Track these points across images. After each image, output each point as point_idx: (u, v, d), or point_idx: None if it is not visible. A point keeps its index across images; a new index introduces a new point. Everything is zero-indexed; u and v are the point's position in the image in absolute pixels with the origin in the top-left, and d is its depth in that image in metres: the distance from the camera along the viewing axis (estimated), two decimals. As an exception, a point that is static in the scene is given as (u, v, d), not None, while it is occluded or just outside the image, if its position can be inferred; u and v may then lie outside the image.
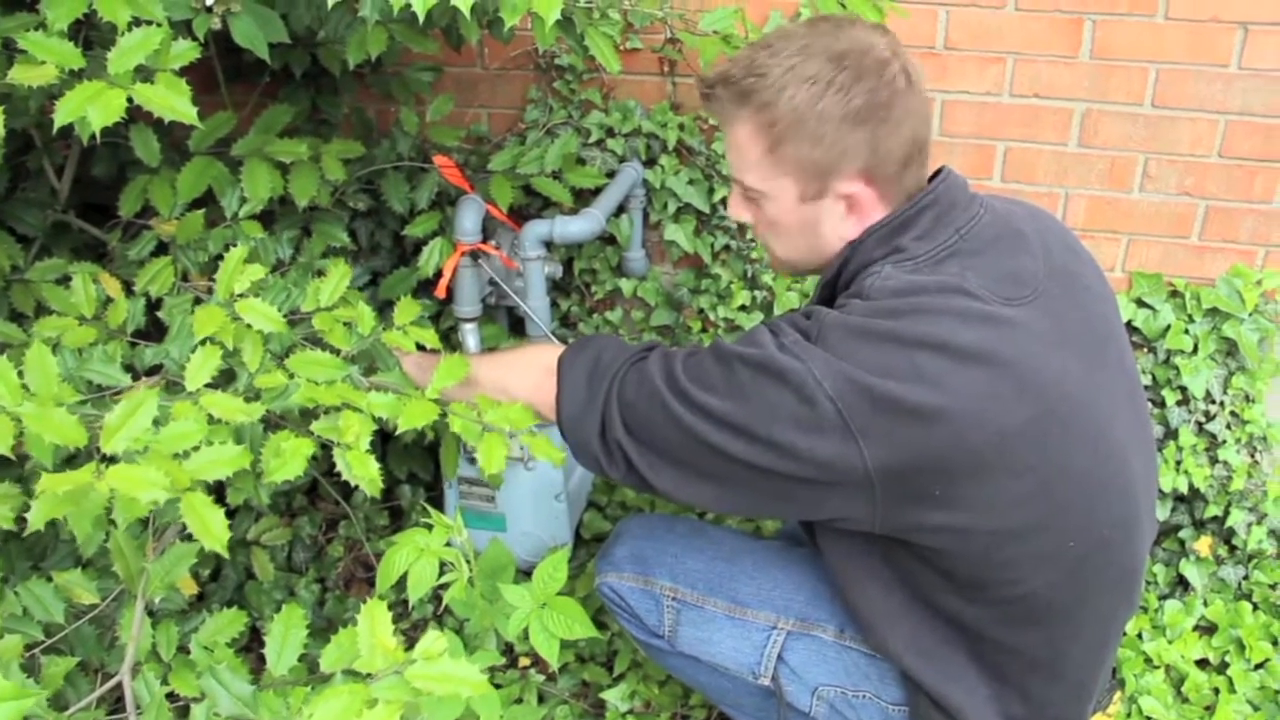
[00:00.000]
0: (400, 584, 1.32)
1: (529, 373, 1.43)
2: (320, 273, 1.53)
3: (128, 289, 1.49)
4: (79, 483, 0.96)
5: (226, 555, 1.04)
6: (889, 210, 1.27)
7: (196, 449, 1.08)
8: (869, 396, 1.14)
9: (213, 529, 1.03)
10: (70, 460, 1.09)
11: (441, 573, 1.32)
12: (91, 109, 1.12)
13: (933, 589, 1.28)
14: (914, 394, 1.14)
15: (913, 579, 1.29)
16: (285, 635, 1.17)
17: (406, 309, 1.49)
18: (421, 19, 1.22)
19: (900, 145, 1.24)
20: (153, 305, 1.49)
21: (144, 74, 1.18)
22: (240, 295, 1.35)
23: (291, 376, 1.30)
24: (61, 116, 1.11)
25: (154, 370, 1.38)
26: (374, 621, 1.05)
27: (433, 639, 1.04)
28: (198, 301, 1.48)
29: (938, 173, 1.31)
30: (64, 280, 1.48)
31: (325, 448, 1.25)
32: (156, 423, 1.10)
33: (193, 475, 1.05)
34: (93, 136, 1.13)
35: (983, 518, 1.20)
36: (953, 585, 1.27)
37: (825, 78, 1.21)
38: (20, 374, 1.06)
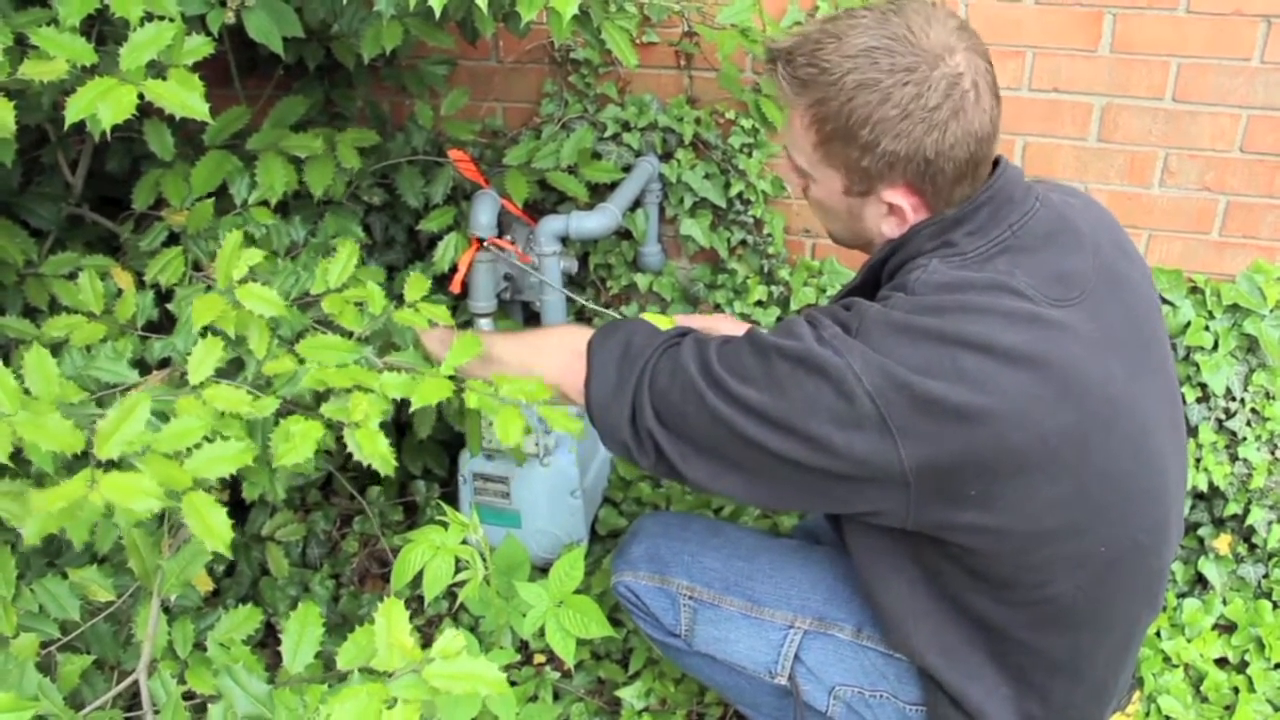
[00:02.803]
0: (415, 580, 1.31)
1: (557, 355, 1.40)
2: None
3: (140, 281, 1.49)
4: (71, 497, 0.94)
5: (229, 554, 1.02)
6: (933, 214, 1.25)
7: (199, 446, 1.05)
8: (909, 395, 1.12)
9: (214, 528, 1.01)
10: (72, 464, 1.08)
11: (457, 570, 1.31)
12: (102, 106, 1.11)
13: (960, 588, 1.27)
14: (955, 394, 1.12)
15: (940, 577, 1.28)
16: (301, 633, 1.16)
17: (416, 285, 1.46)
18: (438, 13, 1.21)
19: (954, 165, 1.20)
20: (167, 296, 1.48)
21: (157, 69, 1.17)
22: (240, 281, 1.33)
23: (302, 362, 1.28)
24: (72, 113, 1.11)
25: (165, 363, 1.38)
26: (391, 621, 1.04)
27: (450, 637, 1.03)
28: (208, 291, 1.47)
29: (995, 163, 1.27)
30: (76, 275, 1.47)
31: (340, 443, 1.24)
32: (164, 416, 1.09)
33: (194, 474, 1.03)
34: (106, 131, 1.12)
35: (1018, 519, 1.18)
36: (982, 585, 1.25)
37: (886, 88, 1.16)
38: (21, 378, 1.05)
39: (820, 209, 1.35)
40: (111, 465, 0.99)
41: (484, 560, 1.33)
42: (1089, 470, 1.18)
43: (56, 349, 1.32)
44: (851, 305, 1.21)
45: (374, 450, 1.19)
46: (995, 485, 1.16)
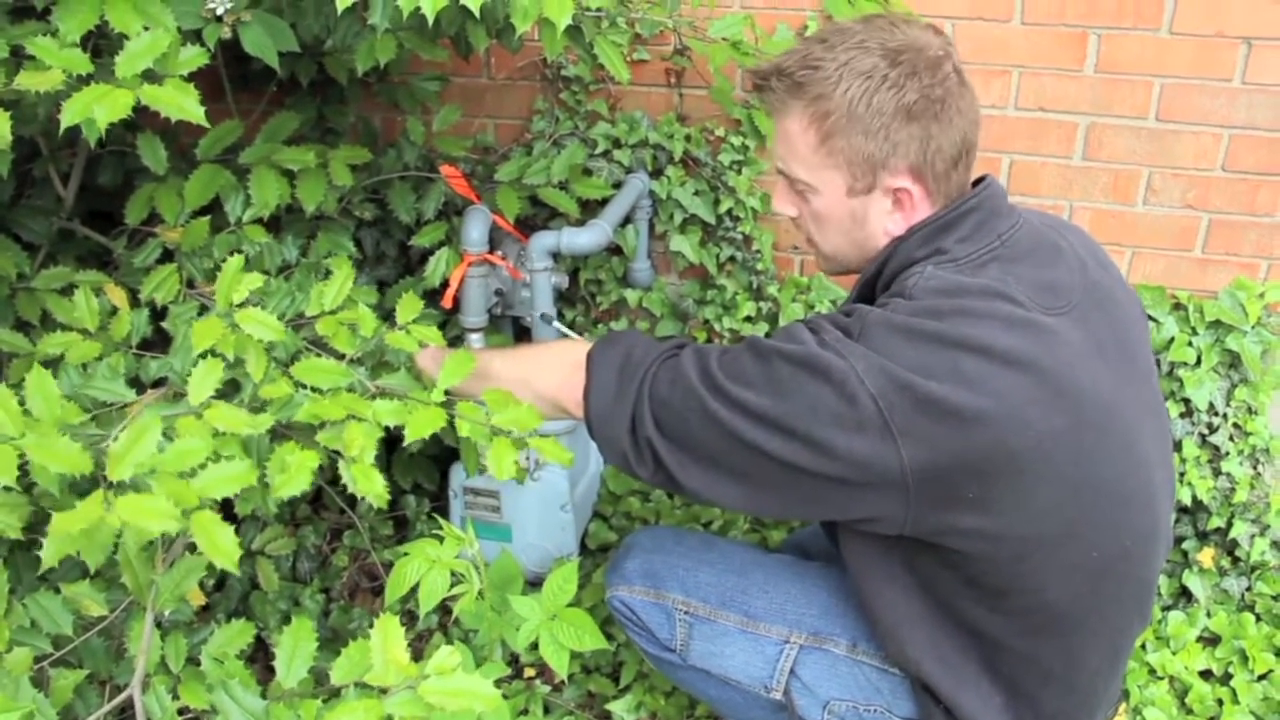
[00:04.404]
0: (406, 594, 1.31)
1: (556, 368, 1.41)
2: (329, 273, 1.52)
3: (134, 297, 1.49)
4: (91, 519, 0.94)
5: (237, 571, 1.03)
6: (934, 209, 1.28)
7: (203, 466, 1.06)
8: (911, 396, 1.13)
9: (223, 546, 1.01)
10: (76, 484, 1.07)
11: (452, 584, 1.31)
12: (98, 108, 1.11)
13: (955, 596, 1.28)
14: (956, 395, 1.13)
15: (935, 585, 1.29)
16: (295, 648, 1.16)
17: (408, 306, 1.46)
18: (431, 20, 1.22)
19: (950, 144, 1.25)
20: (159, 313, 1.48)
21: (151, 79, 1.18)
22: (240, 305, 1.33)
23: (298, 386, 1.29)
24: (68, 117, 1.10)
25: (159, 383, 1.37)
26: (387, 636, 1.04)
27: (446, 653, 1.04)
28: (203, 309, 1.47)
29: (981, 179, 1.32)
30: (69, 290, 1.47)
31: (331, 456, 1.24)
32: (166, 435, 1.09)
33: (200, 494, 1.03)
34: (100, 143, 1.12)
35: (1014, 522, 1.20)
36: (976, 592, 1.26)
37: (880, 72, 1.22)
38: (22, 400, 1.04)
39: (820, 227, 1.35)
40: (119, 486, 0.99)
41: (479, 574, 1.33)
42: (1081, 474, 1.20)
43: (52, 366, 1.31)
44: (852, 311, 1.23)
45: (369, 487, 1.19)
46: (992, 488, 1.17)
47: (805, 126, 1.26)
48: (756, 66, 1.30)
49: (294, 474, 1.16)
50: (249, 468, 1.07)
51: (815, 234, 1.37)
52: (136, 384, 1.35)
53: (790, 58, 1.26)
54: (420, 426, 1.25)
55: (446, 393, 1.31)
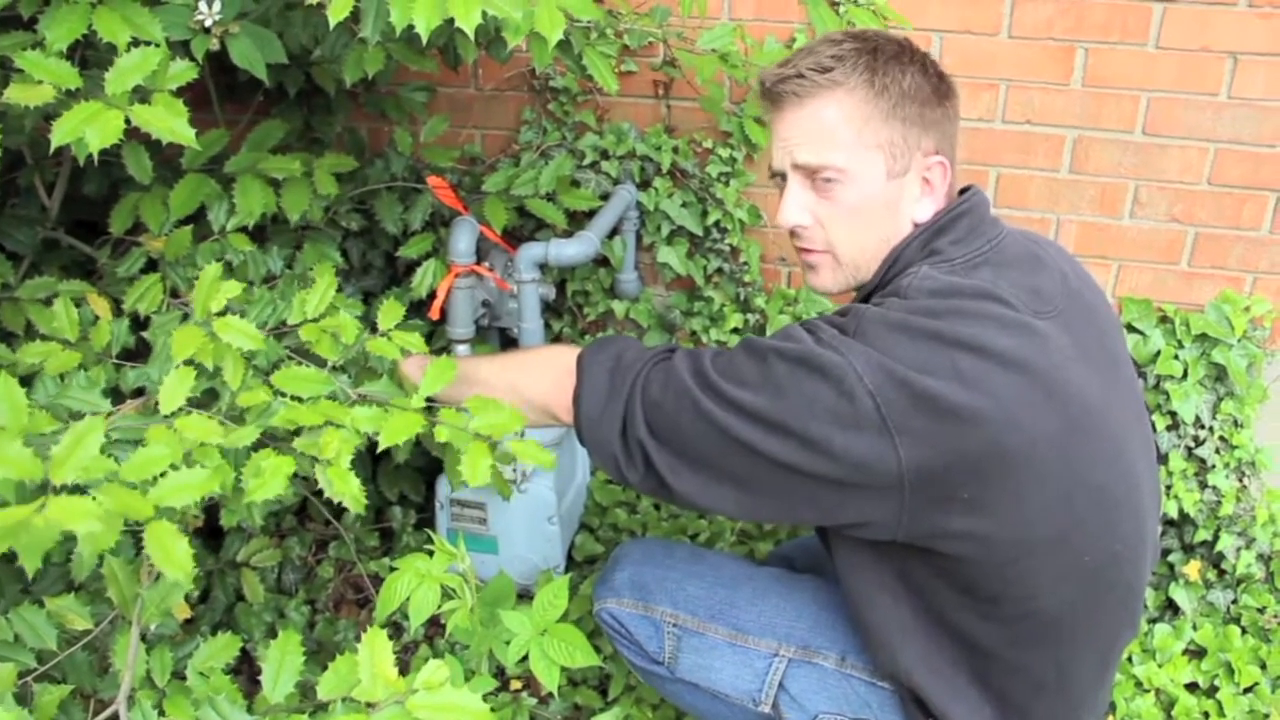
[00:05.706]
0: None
1: (546, 372, 1.40)
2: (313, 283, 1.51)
3: (118, 307, 1.47)
4: (16, 517, 0.90)
5: (189, 585, 1.00)
6: (948, 201, 1.32)
7: (164, 475, 1.02)
8: (909, 393, 1.13)
9: (176, 557, 0.97)
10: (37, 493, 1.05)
11: (443, 598, 1.30)
12: (90, 130, 1.10)
13: (947, 605, 1.28)
14: (953, 393, 1.13)
15: (927, 595, 1.29)
16: (282, 661, 1.15)
17: (389, 312, 1.44)
18: (425, 40, 1.22)
19: (958, 130, 1.34)
20: (143, 323, 1.47)
21: (141, 94, 1.17)
22: (218, 313, 1.31)
23: (277, 394, 1.27)
24: (59, 137, 1.10)
25: (139, 392, 1.36)
26: (375, 650, 1.03)
27: (434, 667, 1.03)
28: (186, 319, 1.46)
29: (966, 188, 1.34)
30: (52, 300, 1.45)
31: (313, 464, 1.22)
32: (136, 445, 1.07)
33: (159, 502, 1.00)
34: (93, 155, 1.11)
35: (1006, 525, 1.20)
36: (968, 600, 1.26)
37: (905, 57, 1.28)
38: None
39: (848, 221, 1.31)
40: (76, 492, 0.97)
41: (470, 589, 1.32)
42: (1072, 477, 1.20)
43: (31, 377, 1.30)
44: (847, 311, 1.24)
45: (345, 489, 1.17)
46: (986, 489, 1.17)
47: (846, 112, 1.27)
48: (776, 68, 1.31)
49: (269, 478, 1.14)
50: (211, 475, 1.03)
51: (837, 237, 1.32)
52: (116, 395, 1.33)
53: (810, 57, 1.28)
54: (396, 432, 1.23)
55: (431, 400, 1.30)
